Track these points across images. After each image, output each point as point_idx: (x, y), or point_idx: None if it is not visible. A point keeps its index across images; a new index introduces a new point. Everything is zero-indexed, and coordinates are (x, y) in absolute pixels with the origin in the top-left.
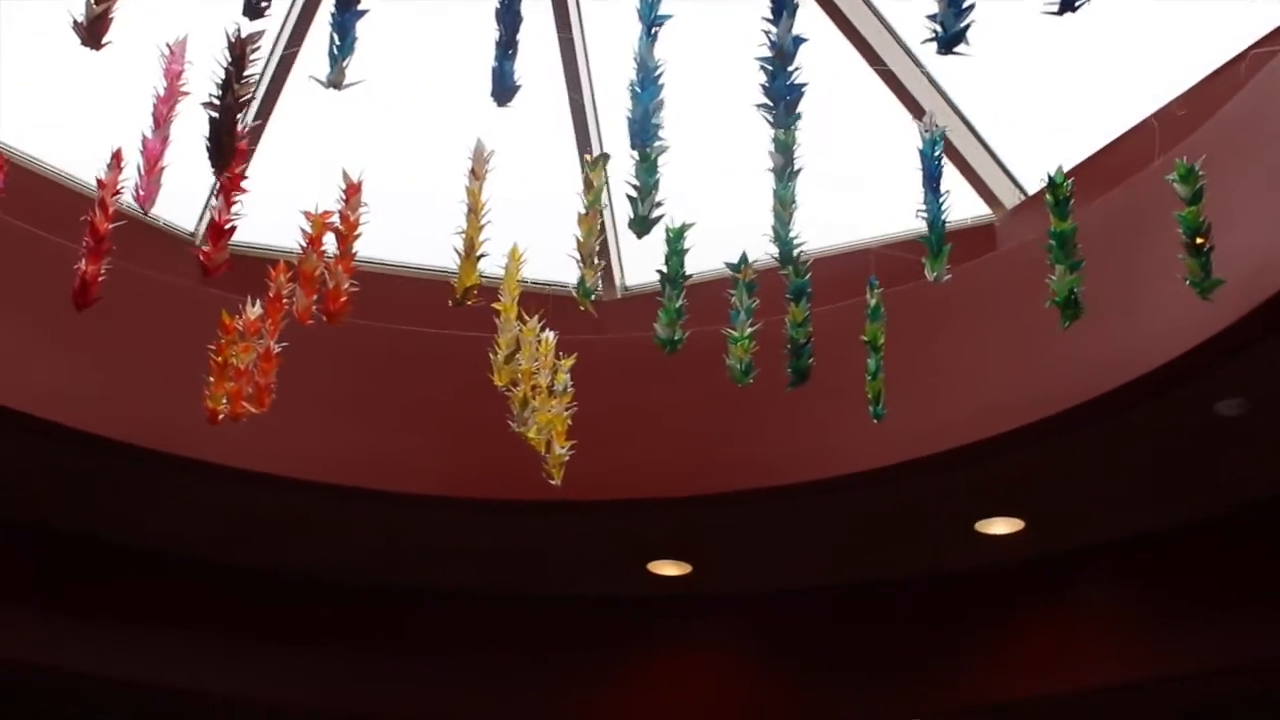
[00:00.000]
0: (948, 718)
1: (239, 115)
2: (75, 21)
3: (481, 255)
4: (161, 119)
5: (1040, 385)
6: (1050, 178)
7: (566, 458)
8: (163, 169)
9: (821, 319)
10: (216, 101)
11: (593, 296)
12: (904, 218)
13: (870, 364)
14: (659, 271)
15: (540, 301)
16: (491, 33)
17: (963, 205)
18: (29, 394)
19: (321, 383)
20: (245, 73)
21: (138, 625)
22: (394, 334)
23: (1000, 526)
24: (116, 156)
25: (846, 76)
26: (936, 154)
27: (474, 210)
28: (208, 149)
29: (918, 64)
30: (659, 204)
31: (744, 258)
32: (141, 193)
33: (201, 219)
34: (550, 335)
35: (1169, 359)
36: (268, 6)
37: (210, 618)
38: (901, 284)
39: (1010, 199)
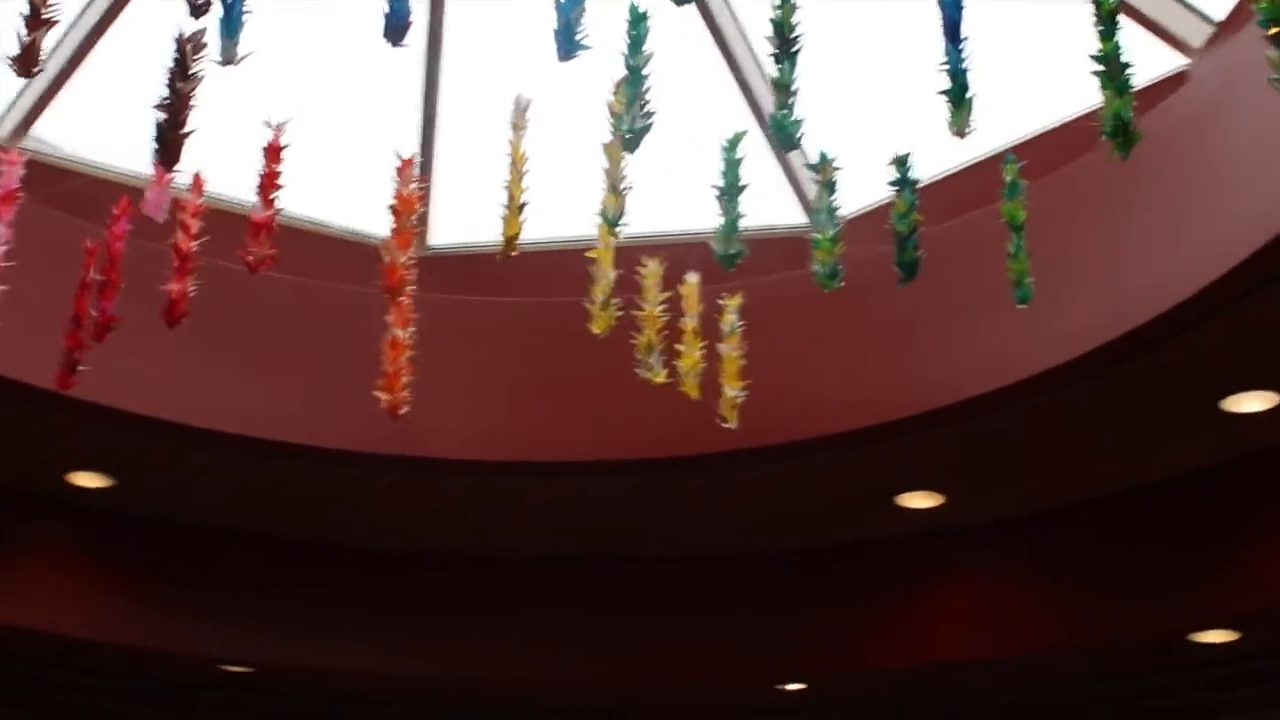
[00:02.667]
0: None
1: (186, 113)
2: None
3: (524, 206)
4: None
5: None
6: None
7: (739, 399)
8: (170, 179)
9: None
10: (165, 101)
11: (617, 228)
12: None
13: (1012, 244)
14: (714, 186)
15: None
16: None
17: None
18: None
19: (485, 363)
20: (190, 71)
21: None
22: (519, 307)
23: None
24: (197, 181)
25: None
26: None
27: (515, 163)
28: (154, 149)
29: None
30: (648, 115)
31: (824, 157)
32: (151, 200)
33: None
34: (694, 277)
35: None
36: (207, 7)
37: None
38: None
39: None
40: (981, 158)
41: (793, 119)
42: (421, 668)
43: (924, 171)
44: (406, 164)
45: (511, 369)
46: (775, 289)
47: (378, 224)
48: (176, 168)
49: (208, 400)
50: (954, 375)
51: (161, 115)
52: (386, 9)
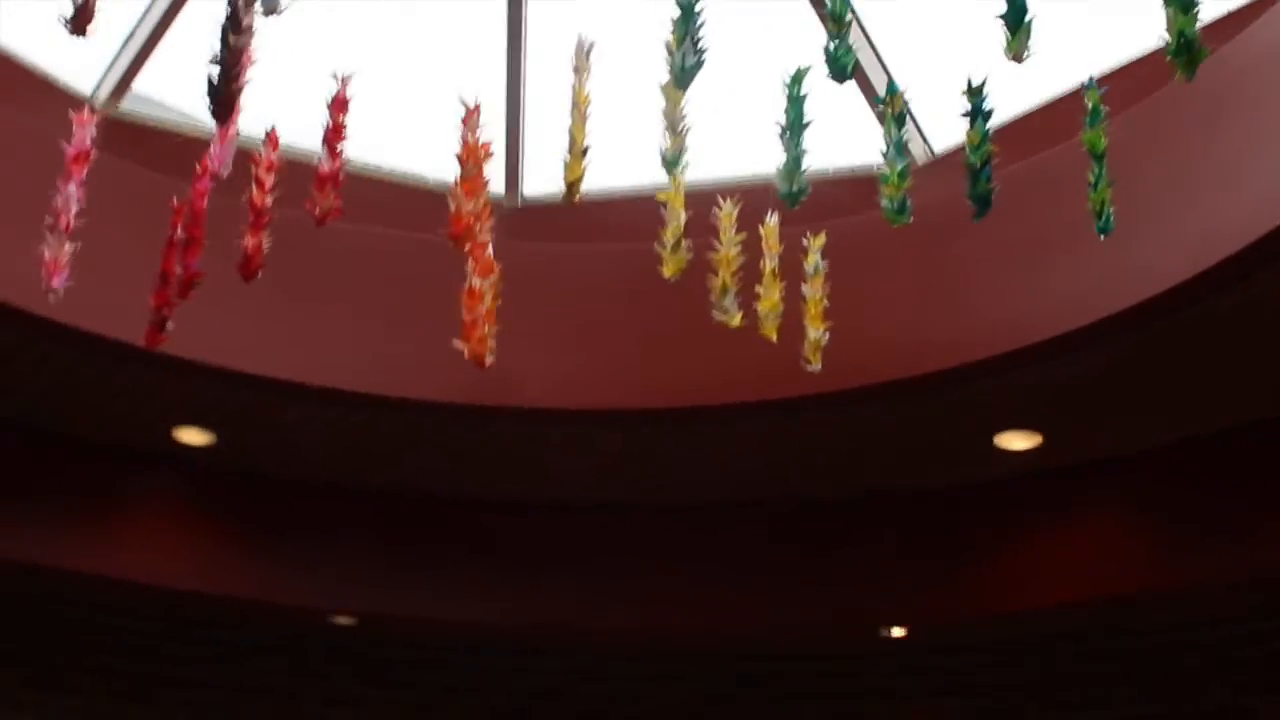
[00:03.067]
0: None
1: (239, 67)
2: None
3: (586, 150)
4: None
5: None
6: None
7: (824, 341)
8: (236, 134)
9: None
10: (218, 56)
11: (677, 169)
12: None
13: (1093, 174)
14: (777, 124)
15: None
16: None
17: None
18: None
19: (575, 311)
20: (244, 24)
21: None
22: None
23: None
24: (271, 136)
25: None
26: None
27: (578, 105)
28: (209, 103)
29: None
30: (700, 52)
31: (891, 88)
32: (216, 154)
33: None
34: (773, 218)
35: None
36: None
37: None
38: None
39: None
40: (1067, 92)
41: (846, 50)
42: (525, 615)
43: (1010, 107)
44: (473, 111)
45: (602, 316)
46: (861, 229)
47: None
48: (239, 122)
49: (300, 354)
50: (1044, 312)
51: (215, 69)
52: None
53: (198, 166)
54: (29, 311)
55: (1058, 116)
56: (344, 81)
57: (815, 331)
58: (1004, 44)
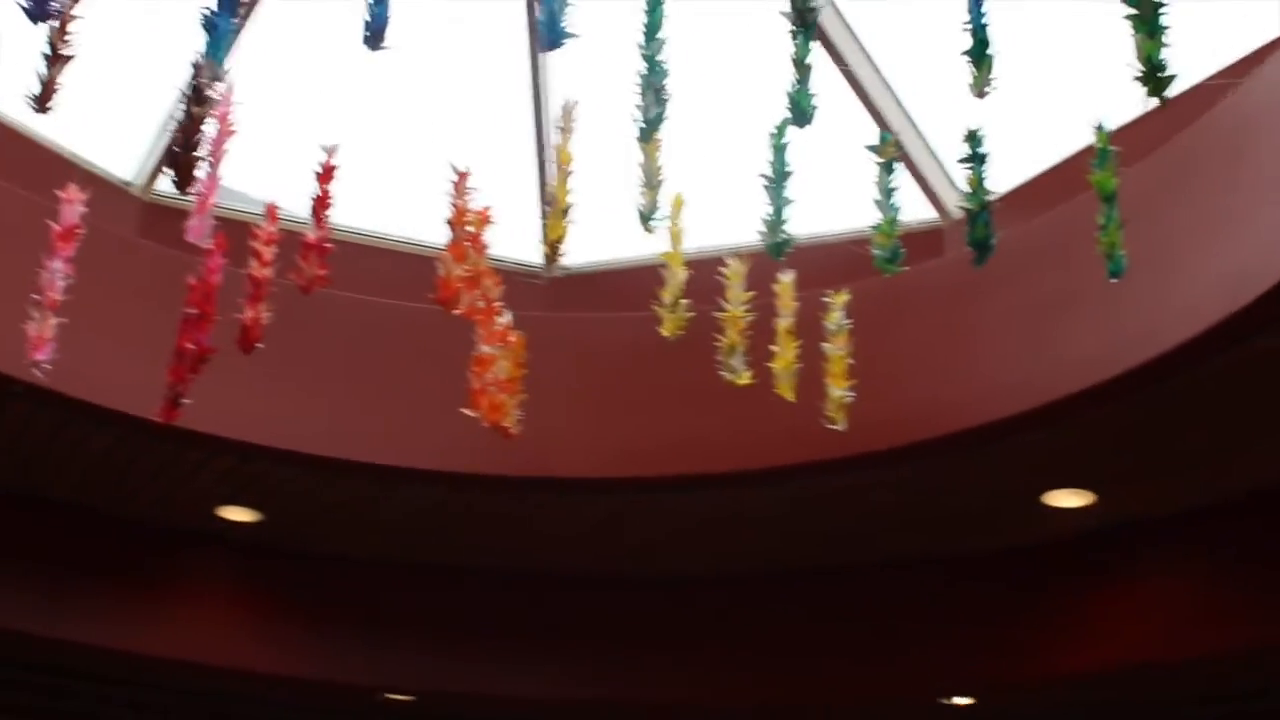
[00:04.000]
0: None
1: (198, 138)
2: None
3: (568, 209)
4: (213, 159)
5: None
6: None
7: (847, 399)
8: (213, 205)
9: None
10: (179, 125)
11: (651, 222)
12: None
13: (1102, 215)
14: (762, 175)
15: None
16: None
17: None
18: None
19: (612, 379)
20: (204, 96)
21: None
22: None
23: None
24: (270, 210)
25: None
26: None
27: (560, 166)
28: (171, 174)
29: None
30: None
31: (884, 137)
32: (194, 226)
33: None
34: (787, 276)
35: None
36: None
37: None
38: None
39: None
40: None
41: (806, 94)
42: (583, 690)
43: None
44: (463, 176)
45: (638, 382)
46: (889, 285)
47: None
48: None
49: (338, 430)
50: (1089, 360)
51: (176, 139)
52: (366, 15)
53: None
54: (70, 395)
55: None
56: (330, 152)
57: (839, 390)
58: (969, 80)
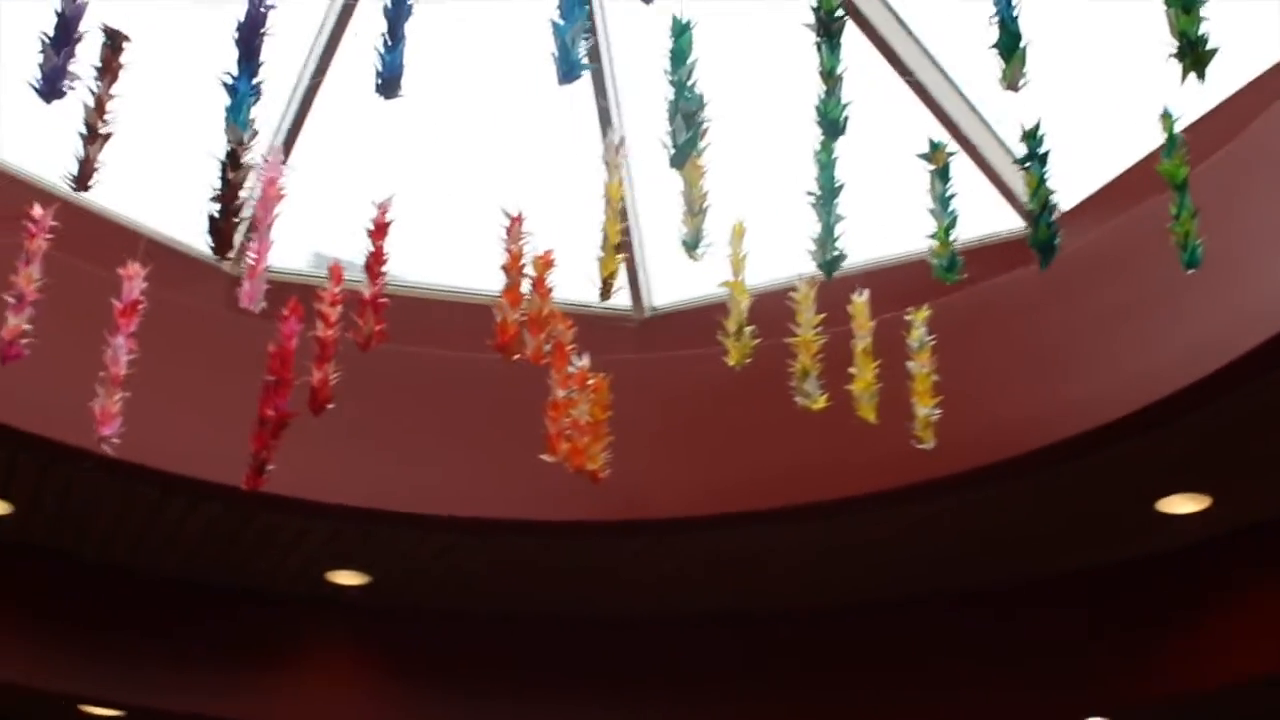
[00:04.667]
0: None
1: (236, 202)
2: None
3: (620, 245)
4: (261, 223)
5: None
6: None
7: (934, 417)
8: (266, 269)
9: None
10: (217, 191)
11: (698, 250)
12: None
13: (1174, 204)
14: (809, 192)
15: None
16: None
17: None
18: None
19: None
20: (241, 161)
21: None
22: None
23: None
24: (335, 271)
25: None
26: None
27: (610, 202)
28: (209, 238)
29: None
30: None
31: (934, 144)
32: (246, 291)
33: None
34: (862, 296)
35: None
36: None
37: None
38: None
39: None
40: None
41: (837, 105)
42: None
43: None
44: (516, 220)
45: (733, 417)
46: (973, 296)
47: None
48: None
49: (436, 487)
50: (1195, 352)
51: (215, 205)
52: (378, 63)
53: (285, 309)
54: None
55: None
56: (383, 208)
57: (925, 408)
58: (999, 74)
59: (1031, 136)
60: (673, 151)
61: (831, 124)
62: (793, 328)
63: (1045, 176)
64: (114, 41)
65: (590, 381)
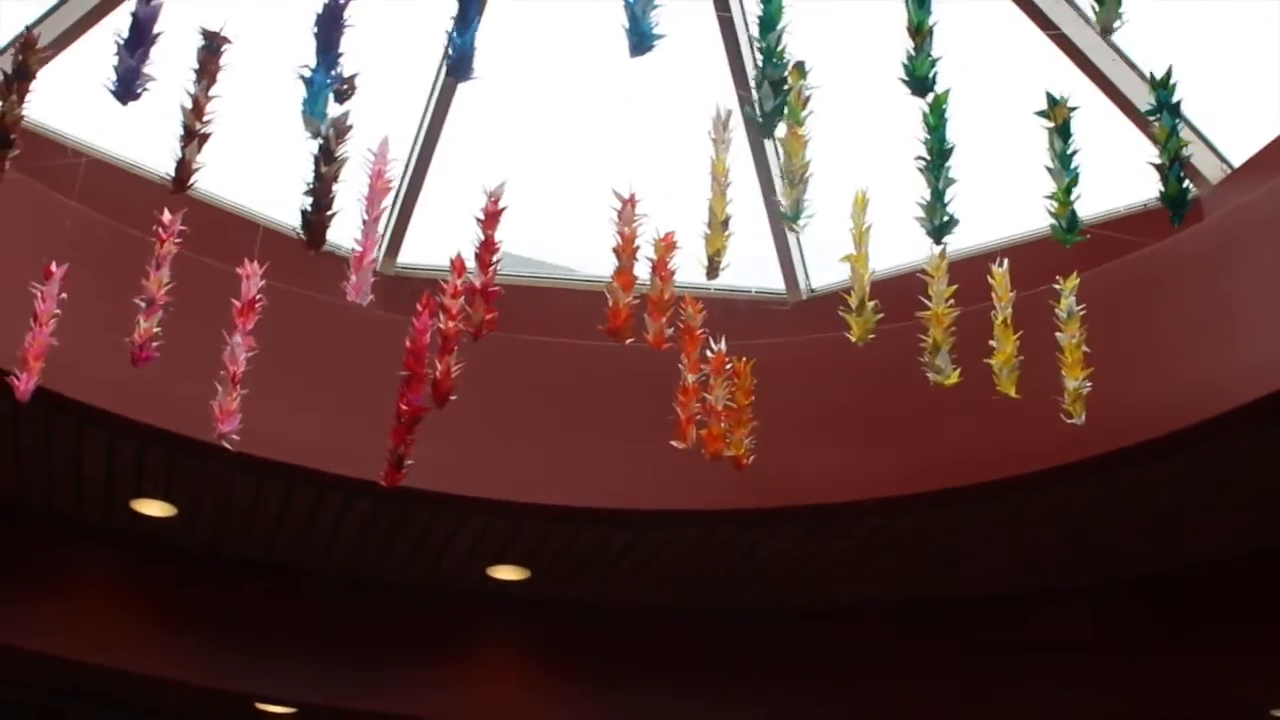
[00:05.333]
0: None
1: (331, 195)
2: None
3: (727, 220)
4: (370, 216)
5: None
6: None
7: (1084, 390)
8: (373, 262)
9: None
10: (310, 186)
11: (799, 222)
12: None
13: None
14: (919, 158)
15: None
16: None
17: None
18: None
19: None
20: (335, 155)
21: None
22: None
23: None
24: (457, 262)
25: None
26: None
27: (716, 178)
28: (302, 231)
29: None
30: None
31: (1052, 99)
32: (353, 284)
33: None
34: (1001, 267)
35: None
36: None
37: None
38: None
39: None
40: None
41: (925, 61)
42: None
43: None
44: (628, 203)
45: (887, 398)
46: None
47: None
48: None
49: (589, 479)
50: None
51: (307, 199)
52: (450, 47)
53: (418, 304)
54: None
55: None
56: (494, 196)
57: (1074, 381)
58: (1093, 13)
59: (1162, 85)
60: (759, 119)
61: (920, 81)
62: (924, 301)
63: (1176, 128)
64: (211, 43)
65: (728, 366)
